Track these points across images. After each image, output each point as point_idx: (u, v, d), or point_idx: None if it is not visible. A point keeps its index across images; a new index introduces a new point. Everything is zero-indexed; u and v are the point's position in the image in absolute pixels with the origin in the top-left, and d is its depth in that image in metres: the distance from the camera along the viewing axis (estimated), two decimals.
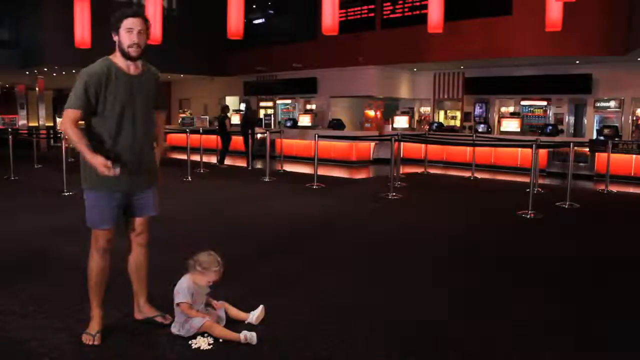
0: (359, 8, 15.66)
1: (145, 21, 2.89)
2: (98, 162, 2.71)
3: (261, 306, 3.29)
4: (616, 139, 11.21)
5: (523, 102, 14.65)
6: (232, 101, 20.87)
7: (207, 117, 19.10)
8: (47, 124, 19.80)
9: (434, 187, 10.01)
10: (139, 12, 2.90)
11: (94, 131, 2.87)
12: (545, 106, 14.38)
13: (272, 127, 16.12)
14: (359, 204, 7.86)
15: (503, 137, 12.55)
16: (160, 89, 3.16)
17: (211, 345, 2.90)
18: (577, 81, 13.51)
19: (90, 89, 2.77)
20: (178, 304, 3.02)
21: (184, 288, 3.04)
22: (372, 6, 15.36)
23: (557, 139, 12.00)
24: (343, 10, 14.62)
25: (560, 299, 3.83)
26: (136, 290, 3.20)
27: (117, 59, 2.90)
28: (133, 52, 2.85)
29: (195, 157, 12.15)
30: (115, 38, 2.87)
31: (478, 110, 15.47)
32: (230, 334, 2.96)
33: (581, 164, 11.35)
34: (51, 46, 15.38)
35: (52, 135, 16.72)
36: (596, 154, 10.98)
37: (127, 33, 2.83)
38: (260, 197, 8.38)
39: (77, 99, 2.76)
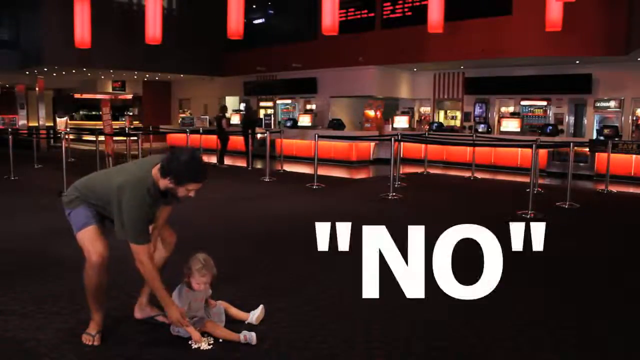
0: (359, 9, 15.65)
1: None
2: (173, 313, 2.88)
3: (261, 306, 3.29)
4: (616, 139, 11.20)
5: (523, 102, 14.63)
6: (232, 101, 20.86)
7: (207, 117, 19.09)
8: (47, 124, 19.79)
9: (434, 187, 10.01)
10: (206, 176, 2.89)
11: (92, 191, 2.94)
12: (545, 106, 14.37)
13: (272, 127, 16.12)
14: (359, 204, 7.86)
15: (503, 137, 12.54)
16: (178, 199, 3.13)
17: (211, 345, 2.90)
18: (577, 81, 13.49)
19: (145, 219, 2.83)
20: None
21: (181, 294, 3.04)
22: (372, 6, 15.35)
23: (557, 139, 12.00)
24: (343, 10, 14.60)
25: (560, 299, 3.83)
26: (143, 288, 3.20)
27: (159, 184, 2.85)
28: (182, 199, 2.94)
29: None
30: (169, 182, 2.81)
31: (478, 110, 15.45)
32: (230, 334, 2.96)
33: (581, 164, 11.35)
34: (51, 46, 15.36)
35: (52, 135, 16.72)
36: (596, 154, 10.97)
37: (187, 192, 2.85)
38: (260, 197, 8.38)
39: (143, 234, 2.81)
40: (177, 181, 2.79)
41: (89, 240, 2.88)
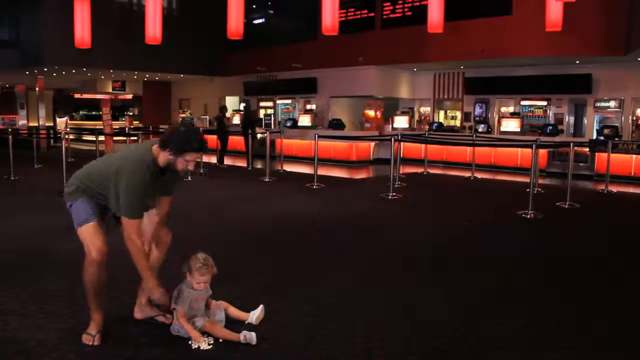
0: (359, 9, 15.65)
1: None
2: (155, 293, 2.94)
3: (261, 306, 3.29)
4: (616, 139, 11.21)
5: (523, 102, 14.64)
6: (232, 101, 20.87)
7: (207, 117, 19.10)
8: (47, 124, 19.80)
9: (434, 187, 10.01)
10: (204, 145, 2.91)
11: (92, 178, 2.94)
12: (545, 106, 14.37)
13: (272, 127, 16.12)
14: (359, 204, 7.86)
15: (503, 137, 12.54)
16: (177, 180, 3.17)
17: (211, 345, 2.90)
18: (577, 81, 13.49)
19: (143, 195, 2.84)
20: (174, 309, 3.03)
21: (182, 294, 3.03)
22: (372, 6, 15.35)
23: (557, 139, 12.01)
24: (343, 10, 14.60)
25: (560, 299, 3.83)
26: (144, 287, 3.19)
27: (161, 160, 2.88)
28: (181, 173, 2.93)
29: None
30: (168, 154, 2.84)
31: (478, 110, 15.46)
32: (230, 334, 2.96)
33: (581, 164, 11.35)
34: (51, 46, 15.37)
35: (52, 135, 16.72)
36: (596, 154, 10.98)
37: (186, 162, 2.86)
38: (260, 197, 8.38)
39: (137, 209, 2.83)
40: (176, 151, 2.82)
41: (90, 236, 2.89)
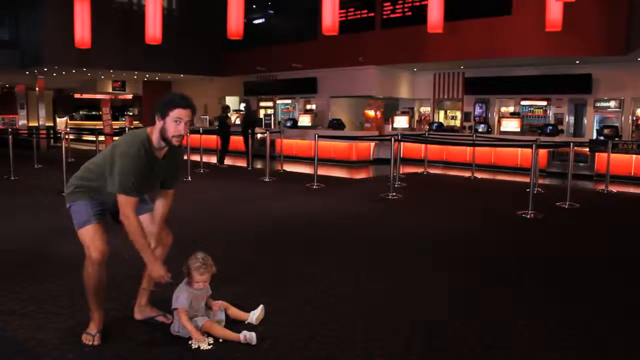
0: (359, 9, 15.65)
1: (193, 111, 2.90)
2: (157, 269, 2.90)
3: (261, 306, 3.29)
4: (616, 139, 11.21)
5: (523, 102, 14.64)
6: (232, 101, 20.86)
7: (207, 117, 19.08)
8: (47, 124, 19.80)
9: (434, 187, 10.01)
10: (189, 103, 2.86)
11: (91, 171, 2.95)
12: (545, 106, 14.37)
13: (272, 127, 16.12)
14: (359, 204, 7.86)
15: (503, 137, 12.55)
16: (179, 169, 3.17)
17: (211, 345, 2.90)
18: (577, 81, 13.49)
19: (136, 173, 2.80)
20: (175, 309, 3.03)
21: (182, 294, 3.04)
22: (372, 6, 15.35)
23: (557, 139, 12.01)
24: (343, 10, 14.60)
25: (560, 299, 3.83)
26: (143, 288, 3.20)
27: (154, 137, 2.87)
28: (176, 141, 2.87)
29: (195, 157, 12.15)
30: (159, 122, 2.84)
31: (478, 110, 15.45)
32: (230, 334, 2.96)
33: (581, 164, 11.35)
34: (51, 46, 15.37)
35: (52, 135, 16.72)
36: (596, 154, 10.98)
37: (175, 123, 2.82)
38: (260, 197, 8.38)
39: (132, 186, 2.78)
40: (163, 112, 2.81)
41: (90, 237, 2.88)
